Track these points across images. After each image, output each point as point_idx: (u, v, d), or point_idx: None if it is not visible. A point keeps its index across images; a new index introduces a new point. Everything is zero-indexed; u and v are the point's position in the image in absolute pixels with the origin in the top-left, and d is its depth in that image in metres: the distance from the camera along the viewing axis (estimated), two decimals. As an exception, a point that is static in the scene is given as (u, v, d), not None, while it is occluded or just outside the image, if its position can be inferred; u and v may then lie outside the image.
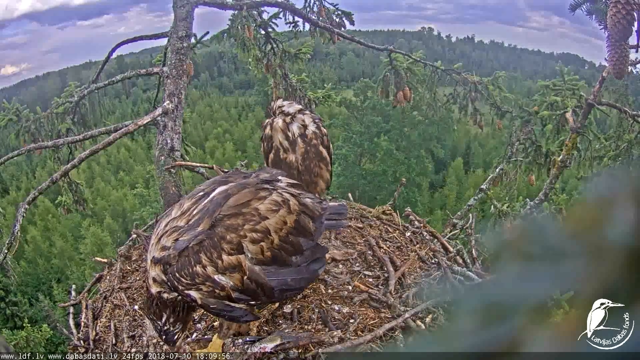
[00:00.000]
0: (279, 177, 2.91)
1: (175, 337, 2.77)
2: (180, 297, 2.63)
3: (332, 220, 3.12)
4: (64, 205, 6.65)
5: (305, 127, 3.62)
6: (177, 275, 2.54)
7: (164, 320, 2.71)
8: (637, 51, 4.89)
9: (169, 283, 2.58)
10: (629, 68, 5.46)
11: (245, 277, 2.56)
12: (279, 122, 3.61)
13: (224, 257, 2.53)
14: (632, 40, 4.58)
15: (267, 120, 3.72)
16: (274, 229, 2.64)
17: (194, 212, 2.61)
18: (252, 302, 2.69)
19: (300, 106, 3.74)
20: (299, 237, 2.75)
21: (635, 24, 4.37)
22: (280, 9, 6.35)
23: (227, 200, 2.61)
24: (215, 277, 2.53)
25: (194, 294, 2.56)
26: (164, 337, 2.77)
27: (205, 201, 2.64)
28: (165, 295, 2.65)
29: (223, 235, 2.55)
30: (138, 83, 62.65)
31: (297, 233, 2.74)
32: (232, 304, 2.61)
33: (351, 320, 3.23)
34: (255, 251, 2.59)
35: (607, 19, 4.37)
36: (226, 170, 4.56)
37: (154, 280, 2.63)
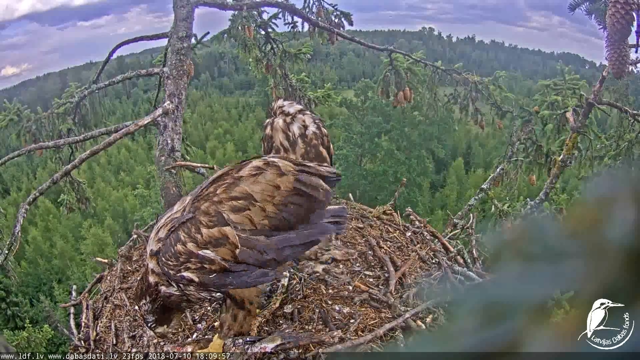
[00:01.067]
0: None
1: (151, 325, 2.77)
2: (177, 290, 2.63)
3: (332, 224, 2.92)
4: (66, 204, 6.66)
5: (305, 127, 3.62)
6: (163, 259, 2.50)
7: (141, 303, 2.70)
8: (637, 51, 4.89)
9: (164, 274, 2.58)
10: (629, 67, 5.46)
11: (237, 250, 2.41)
12: (279, 122, 3.60)
13: (203, 230, 2.42)
14: (632, 40, 4.59)
15: (267, 120, 3.72)
16: (262, 196, 2.44)
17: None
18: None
19: (300, 106, 3.74)
20: (305, 202, 2.51)
21: (634, 23, 4.37)
22: (280, 9, 6.35)
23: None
24: (199, 252, 2.42)
25: (187, 274, 2.48)
26: (143, 319, 2.79)
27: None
28: (162, 288, 2.65)
29: (198, 206, 2.47)
30: (138, 83, 62.78)
31: (299, 199, 2.50)
32: (232, 273, 2.46)
33: (351, 320, 3.23)
34: (241, 221, 2.42)
35: (606, 19, 4.37)
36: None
37: (153, 271, 2.63)
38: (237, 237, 2.41)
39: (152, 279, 2.65)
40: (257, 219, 2.44)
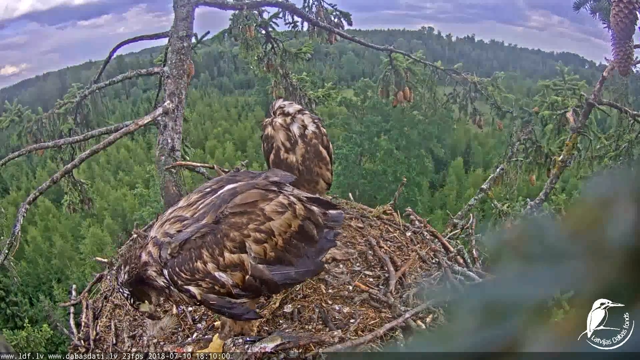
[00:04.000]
0: (287, 183, 2.91)
1: (130, 299, 2.70)
2: (164, 283, 2.63)
3: (329, 228, 3.09)
4: (69, 205, 6.65)
5: (305, 127, 3.63)
6: (176, 269, 2.55)
7: (121, 272, 2.65)
8: None
9: (168, 278, 2.59)
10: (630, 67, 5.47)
11: (247, 277, 2.57)
12: (279, 122, 3.61)
13: (226, 254, 2.54)
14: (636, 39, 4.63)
15: (266, 120, 3.72)
16: (278, 231, 2.63)
17: (200, 206, 2.63)
18: (254, 297, 2.72)
19: (299, 106, 3.75)
20: (302, 242, 2.74)
21: (638, 22, 4.40)
22: (280, 9, 6.35)
23: (234, 198, 2.62)
24: (216, 274, 2.54)
25: (193, 289, 2.56)
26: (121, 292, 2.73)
27: (213, 197, 2.65)
28: (150, 272, 2.62)
29: (226, 232, 2.55)
30: (138, 83, 62.69)
31: (300, 238, 2.73)
32: (233, 300, 2.62)
33: (351, 320, 3.23)
34: (258, 251, 2.59)
35: (610, 18, 4.39)
36: (227, 170, 4.56)
37: (150, 254, 2.61)
38: (249, 264, 2.57)
39: (144, 257, 2.62)
40: (269, 250, 2.62)
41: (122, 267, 2.67)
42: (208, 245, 2.53)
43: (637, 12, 4.31)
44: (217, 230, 2.55)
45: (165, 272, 2.58)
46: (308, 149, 3.62)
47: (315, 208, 2.86)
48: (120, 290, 2.71)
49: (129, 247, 2.77)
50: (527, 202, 6.52)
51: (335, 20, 6.54)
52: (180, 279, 2.55)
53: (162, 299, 2.82)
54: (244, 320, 2.89)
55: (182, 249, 2.54)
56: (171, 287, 2.64)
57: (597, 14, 5.02)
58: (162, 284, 2.64)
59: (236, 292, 2.58)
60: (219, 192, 2.67)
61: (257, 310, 2.86)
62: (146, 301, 2.77)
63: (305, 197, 2.87)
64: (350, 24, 6.70)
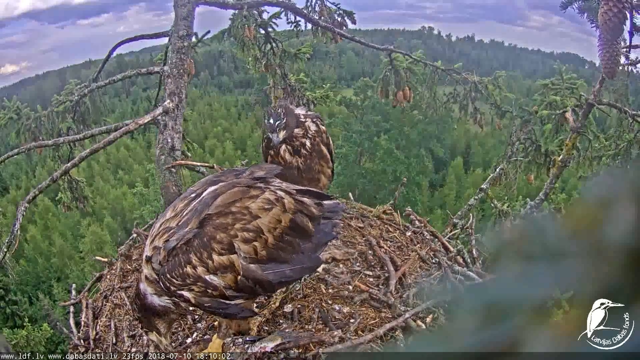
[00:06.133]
0: (274, 175, 2.85)
1: (144, 329, 2.84)
2: (170, 302, 2.67)
3: (326, 219, 2.98)
4: (63, 203, 6.65)
5: (306, 131, 3.59)
6: (167, 276, 2.55)
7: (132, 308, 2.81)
8: (628, 51, 4.86)
9: (160, 283, 2.60)
10: (630, 68, 5.45)
11: (239, 277, 2.54)
12: (287, 155, 3.53)
13: (215, 257, 2.51)
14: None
15: (271, 150, 3.56)
16: (267, 228, 2.58)
17: (184, 213, 2.61)
18: (250, 297, 2.70)
19: (300, 125, 3.56)
20: (296, 237, 2.67)
21: (627, 22, 4.32)
22: (282, 9, 6.34)
23: (215, 200, 2.59)
24: (207, 277, 2.52)
25: (186, 294, 2.57)
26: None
27: (195, 202, 2.63)
28: (149, 298, 2.69)
29: (212, 234, 2.52)
30: (137, 82, 62.65)
31: (293, 233, 2.66)
32: (228, 302, 2.60)
33: (352, 320, 3.23)
34: (248, 251, 2.55)
35: (599, 17, 4.29)
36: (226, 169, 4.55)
37: (147, 278, 2.65)
38: (240, 265, 2.54)
39: (142, 286, 2.68)
40: (259, 249, 2.57)
41: (134, 304, 2.78)
42: (195, 250, 2.51)
43: (627, 12, 4.21)
44: (202, 233, 2.53)
45: (160, 282, 2.59)
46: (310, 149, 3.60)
47: (307, 200, 2.77)
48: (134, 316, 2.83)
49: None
50: (527, 201, 6.51)
51: (339, 19, 6.53)
52: (173, 285, 2.56)
53: (172, 328, 2.92)
54: (239, 319, 2.88)
55: (170, 256, 2.54)
56: (179, 305, 2.67)
57: (586, 13, 4.96)
58: (166, 304, 2.68)
59: (229, 294, 2.56)
60: (201, 197, 2.64)
61: (256, 309, 2.85)
62: (154, 332, 2.82)
63: (296, 189, 2.78)
64: (354, 22, 6.68)
